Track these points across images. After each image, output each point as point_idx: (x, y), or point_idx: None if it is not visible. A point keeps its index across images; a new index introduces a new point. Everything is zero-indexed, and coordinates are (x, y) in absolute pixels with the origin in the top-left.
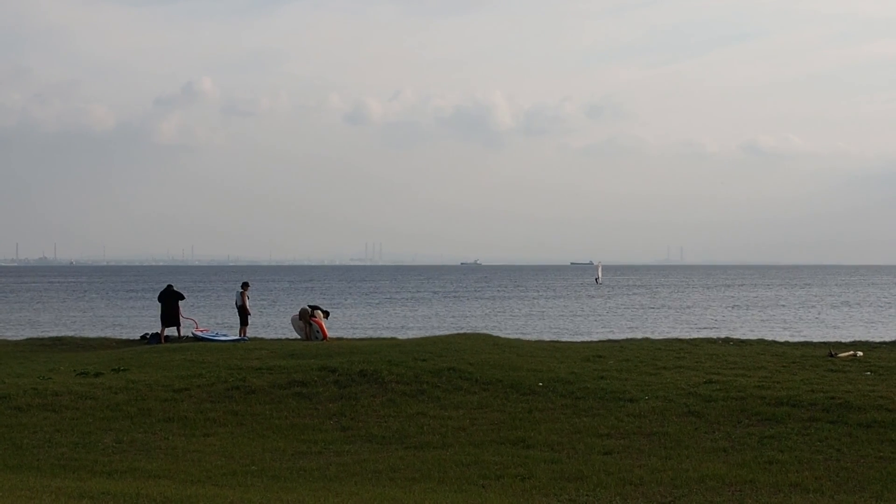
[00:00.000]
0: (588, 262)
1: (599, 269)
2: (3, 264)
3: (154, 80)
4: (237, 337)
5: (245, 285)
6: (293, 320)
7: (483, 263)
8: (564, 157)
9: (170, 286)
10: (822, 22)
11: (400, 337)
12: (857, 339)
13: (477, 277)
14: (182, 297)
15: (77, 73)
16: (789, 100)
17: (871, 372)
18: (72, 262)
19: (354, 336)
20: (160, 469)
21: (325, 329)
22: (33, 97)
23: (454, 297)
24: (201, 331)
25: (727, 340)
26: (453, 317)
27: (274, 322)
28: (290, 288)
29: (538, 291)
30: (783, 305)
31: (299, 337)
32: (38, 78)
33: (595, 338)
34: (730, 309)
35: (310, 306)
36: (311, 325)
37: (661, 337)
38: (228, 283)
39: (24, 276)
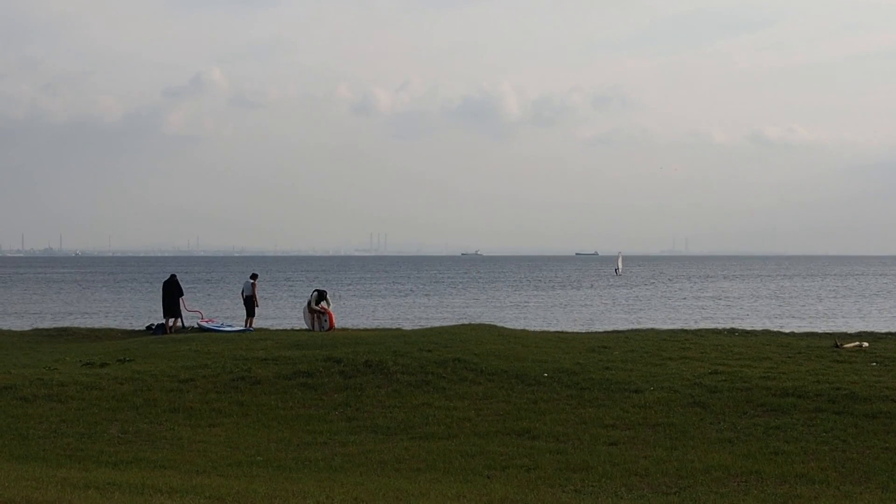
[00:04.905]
0: (593, 252)
1: (619, 260)
2: (8, 255)
3: (163, 71)
4: (242, 327)
5: (255, 276)
6: (304, 311)
7: (485, 254)
8: (572, 147)
9: (173, 276)
10: (827, 11)
11: (405, 327)
12: (863, 329)
13: (484, 269)
14: (181, 294)
15: (86, 63)
16: (795, 90)
17: (877, 363)
18: (77, 253)
19: (359, 326)
20: (166, 459)
21: (334, 319)
22: (42, 88)
23: (463, 287)
24: (207, 321)
25: (732, 331)
26: (458, 307)
27: (280, 313)
28: (298, 279)
29: (559, 282)
30: (788, 296)
31: (307, 327)
32: (48, 69)
33: (603, 328)
34: (734, 299)
35: (317, 291)
36: (321, 313)
37: (666, 327)
38: (236, 274)
39: (29, 266)
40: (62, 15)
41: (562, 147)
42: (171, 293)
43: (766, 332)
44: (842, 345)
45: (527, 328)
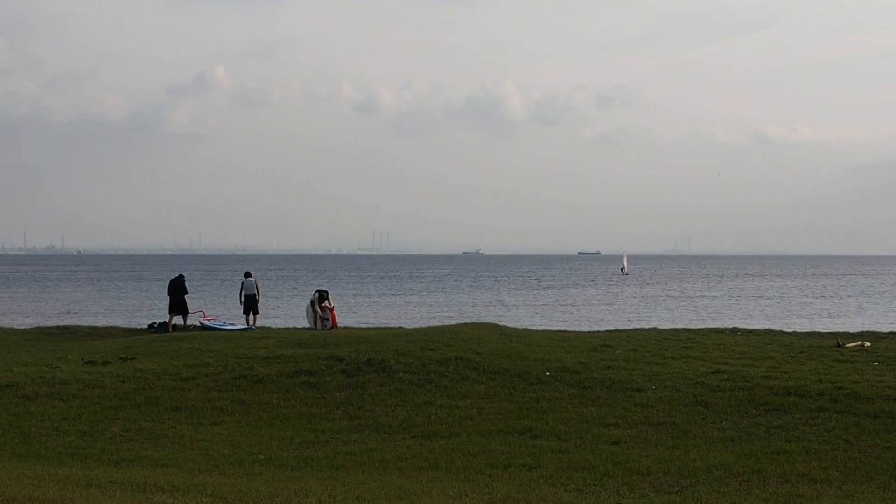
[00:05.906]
0: (596, 251)
1: (625, 259)
2: (10, 252)
3: (166, 69)
4: (245, 326)
5: (250, 274)
6: (307, 309)
7: (487, 253)
8: (575, 146)
9: (181, 276)
10: (830, 11)
11: (407, 326)
12: (865, 329)
13: (486, 268)
14: (186, 292)
15: (90, 61)
16: (797, 89)
17: (879, 362)
18: (79, 251)
19: (361, 325)
20: (167, 458)
21: (336, 318)
22: (46, 86)
23: (465, 286)
24: (209, 320)
25: (734, 330)
26: (460, 306)
27: (282, 311)
28: (301, 277)
29: (561, 282)
30: (790, 295)
31: (309, 325)
32: (51, 67)
33: (605, 327)
34: (737, 299)
35: (318, 291)
36: (323, 311)
37: (668, 327)
38: (238, 273)
39: (32, 264)
40: (66, 13)
41: (565, 146)
42: (179, 291)
43: (769, 332)
44: (844, 344)
45: (529, 327)
